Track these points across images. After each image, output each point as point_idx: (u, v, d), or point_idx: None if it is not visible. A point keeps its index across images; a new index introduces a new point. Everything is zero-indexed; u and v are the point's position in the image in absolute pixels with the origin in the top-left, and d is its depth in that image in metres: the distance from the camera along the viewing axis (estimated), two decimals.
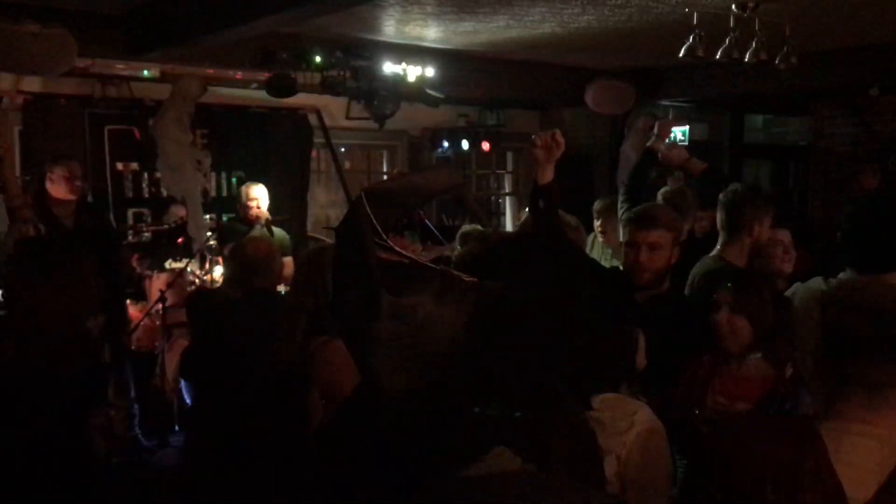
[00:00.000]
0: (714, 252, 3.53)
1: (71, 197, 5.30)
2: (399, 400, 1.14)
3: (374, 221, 1.14)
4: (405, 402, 1.14)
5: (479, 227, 5.10)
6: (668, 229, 3.01)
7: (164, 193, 6.84)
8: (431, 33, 6.14)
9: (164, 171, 6.53)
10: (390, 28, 5.95)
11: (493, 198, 9.95)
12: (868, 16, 5.45)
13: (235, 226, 6.02)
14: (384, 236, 1.16)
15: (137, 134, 6.82)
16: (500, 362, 1.15)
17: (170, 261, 6.27)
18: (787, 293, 3.14)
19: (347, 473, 1.26)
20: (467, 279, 1.19)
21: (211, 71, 6.37)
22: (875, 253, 2.79)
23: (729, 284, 2.80)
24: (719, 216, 3.55)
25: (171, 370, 5.58)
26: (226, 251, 5.35)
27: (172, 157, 6.21)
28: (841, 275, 2.89)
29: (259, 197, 5.98)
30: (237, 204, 6.16)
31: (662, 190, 4.83)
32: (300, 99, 6.83)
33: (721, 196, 3.56)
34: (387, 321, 1.12)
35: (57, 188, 5.24)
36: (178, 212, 6.51)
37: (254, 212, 5.91)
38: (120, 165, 6.88)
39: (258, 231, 5.76)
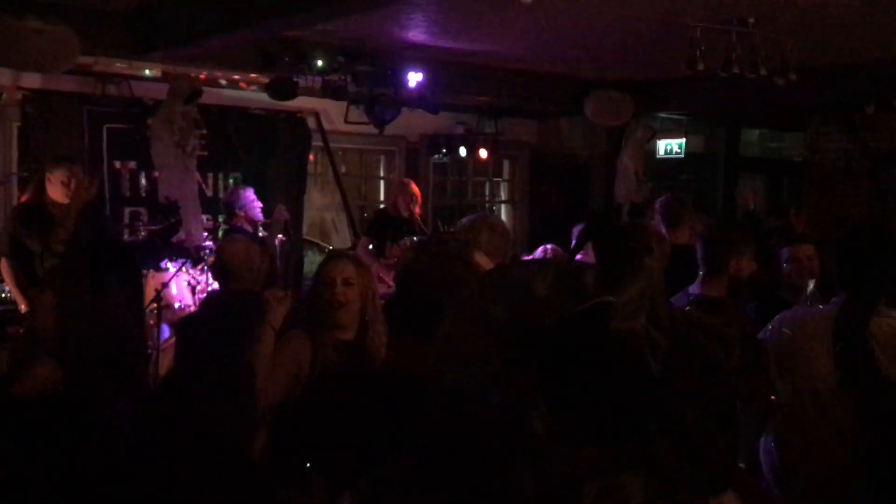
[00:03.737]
0: (695, 286, 3.55)
1: (65, 201, 5.19)
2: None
3: None
4: None
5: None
6: None
7: (160, 195, 6.82)
8: (433, 40, 6.16)
9: (158, 170, 6.56)
10: (392, 34, 5.97)
11: (487, 205, 9.97)
12: (866, 34, 5.51)
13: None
14: None
15: None
16: None
17: (165, 261, 6.26)
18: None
19: None
20: None
21: (219, 73, 6.37)
22: None
23: None
24: (699, 251, 3.57)
25: (163, 370, 5.57)
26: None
27: (159, 156, 6.22)
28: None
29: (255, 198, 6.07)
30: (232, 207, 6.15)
31: (661, 198, 4.82)
32: (299, 102, 6.84)
33: (701, 231, 3.61)
34: None
35: (54, 190, 5.12)
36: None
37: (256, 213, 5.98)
38: (117, 164, 6.86)
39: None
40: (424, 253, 2.56)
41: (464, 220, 3.69)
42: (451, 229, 3.81)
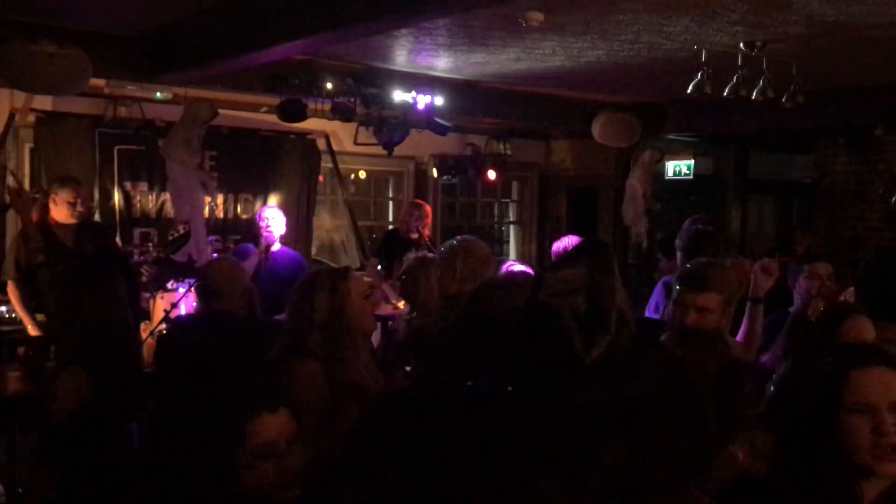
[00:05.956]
0: None
1: (71, 221, 5.22)
2: None
3: None
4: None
5: None
6: (719, 292, 2.87)
7: (171, 215, 6.84)
8: (442, 63, 6.20)
9: (171, 192, 6.56)
10: (401, 57, 6.02)
11: (496, 226, 9.99)
12: (875, 56, 5.50)
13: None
14: None
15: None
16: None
17: (172, 281, 6.27)
18: None
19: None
20: None
21: (229, 95, 6.41)
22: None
23: None
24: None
25: None
26: None
27: (179, 178, 6.24)
28: None
29: (270, 217, 5.98)
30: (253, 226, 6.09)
31: (685, 224, 4.78)
32: (309, 124, 6.89)
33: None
34: None
35: (59, 211, 5.17)
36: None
37: (265, 234, 5.88)
38: (128, 185, 6.91)
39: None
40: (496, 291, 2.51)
41: (444, 245, 3.61)
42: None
